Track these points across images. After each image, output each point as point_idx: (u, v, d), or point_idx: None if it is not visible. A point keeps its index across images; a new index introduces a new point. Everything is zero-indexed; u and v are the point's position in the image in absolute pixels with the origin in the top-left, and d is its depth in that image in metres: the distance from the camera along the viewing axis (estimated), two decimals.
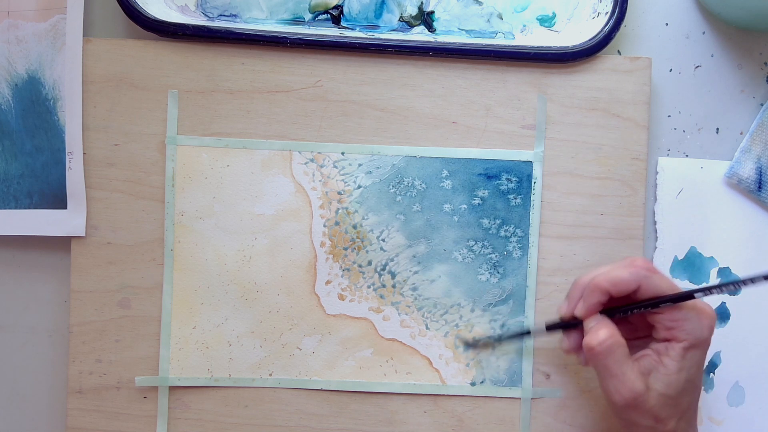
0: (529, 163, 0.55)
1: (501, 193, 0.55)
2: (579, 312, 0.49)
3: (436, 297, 0.55)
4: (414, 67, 0.55)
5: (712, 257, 0.56)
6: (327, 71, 0.55)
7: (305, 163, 0.55)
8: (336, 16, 0.56)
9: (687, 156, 0.57)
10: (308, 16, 0.56)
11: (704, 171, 0.56)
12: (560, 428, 0.55)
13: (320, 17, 0.56)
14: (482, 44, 0.55)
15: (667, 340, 0.48)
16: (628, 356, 0.47)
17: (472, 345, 0.55)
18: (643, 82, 0.55)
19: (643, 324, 0.50)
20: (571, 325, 0.50)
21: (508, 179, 0.55)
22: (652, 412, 0.47)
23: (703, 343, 0.48)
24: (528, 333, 0.53)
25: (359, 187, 0.55)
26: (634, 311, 0.48)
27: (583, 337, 0.49)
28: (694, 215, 0.56)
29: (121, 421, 0.55)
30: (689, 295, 0.47)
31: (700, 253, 0.56)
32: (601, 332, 0.47)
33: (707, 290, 0.47)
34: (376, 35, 0.55)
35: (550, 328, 0.51)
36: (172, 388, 0.55)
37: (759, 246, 0.56)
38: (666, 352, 0.47)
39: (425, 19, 0.56)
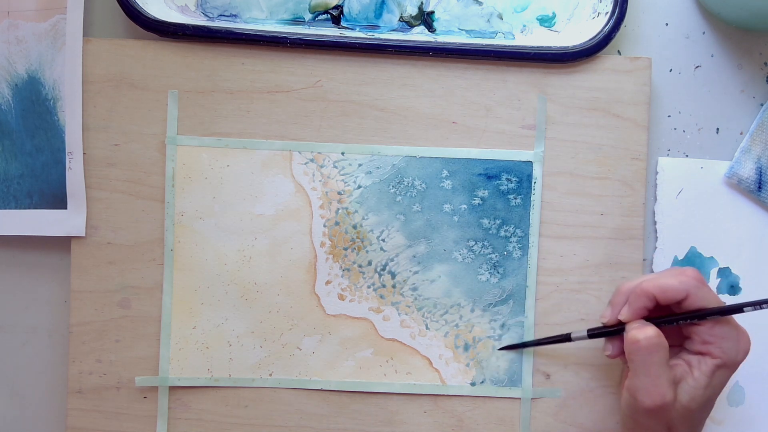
0: (529, 163, 0.55)
1: (501, 193, 0.55)
2: (624, 315, 0.49)
3: (436, 297, 0.55)
4: (414, 67, 0.55)
5: (712, 257, 0.56)
6: (327, 71, 0.55)
7: (305, 163, 0.55)
8: (336, 16, 0.56)
9: (687, 156, 0.57)
10: (308, 16, 0.56)
11: (704, 171, 0.56)
12: (560, 428, 0.55)
13: (320, 17, 0.56)
14: (482, 44, 0.55)
15: (700, 353, 0.48)
16: (668, 361, 0.47)
17: (510, 348, 0.55)
18: (643, 82, 0.55)
19: (675, 333, 0.49)
20: (614, 331, 0.50)
21: (508, 179, 0.55)
22: (669, 423, 0.47)
23: (735, 365, 0.48)
24: (568, 338, 0.53)
25: (359, 187, 0.55)
26: (680, 322, 0.48)
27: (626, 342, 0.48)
28: (694, 215, 0.56)
29: (121, 421, 0.55)
30: (739, 309, 0.47)
31: (700, 253, 0.56)
32: (649, 329, 0.47)
33: (757, 305, 0.47)
34: (376, 35, 0.55)
35: (594, 334, 0.51)
36: (172, 388, 0.55)
37: (759, 246, 0.56)
38: (698, 366, 0.47)
39: (425, 19, 0.56)
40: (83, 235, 0.55)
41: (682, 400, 0.47)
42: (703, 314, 0.47)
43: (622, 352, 0.49)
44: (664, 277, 0.48)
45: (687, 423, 0.47)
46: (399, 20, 0.56)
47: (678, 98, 0.57)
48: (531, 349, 0.55)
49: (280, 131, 0.55)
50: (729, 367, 0.47)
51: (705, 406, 0.48)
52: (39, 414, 0.57)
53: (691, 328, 0.48)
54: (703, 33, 0.57)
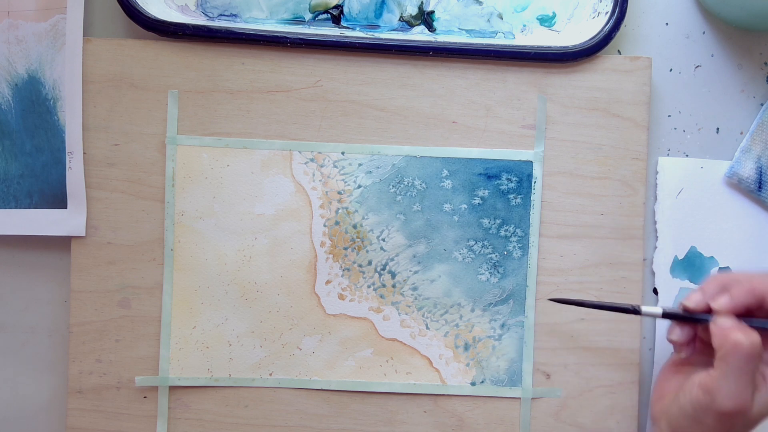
0: (529, 163, 0.55)
1: (501, 192, 0.55)
2: (721, 305, 0.46)
3: (436, 297, 0.55)
4: (414, 67, 0.55)
5: (712, 257, 0.56)
6: (327, 71, 0.55)
7: (305, 163, 0.55)
8: (336, 16, 0.56)
9: (687, 156, 0.57)
10: (308, 16, 0.56)
11: (704, 171, 0.56)
12: (560, 428, 0.55)
13: (320, 17, 0.56)
14: (482, 44, 0.55)
15: None
16: (759, 370, 0.46)
17: (569, 303, 0.51)
18: (643, 82, 0.55)
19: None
20: (692, 318, 0.48)
21: (508, 179, 0.55)
22: (734, 427, 0.45)
23: None
24: (635, 311, 0.49)
25: (359, 186, 0.55)
26: None
27: (696, 333, 0.47)
28: (694, 215, 0.56)
29: (121, 421, 0.55)
30: None
31: (700, 253, 0.56)
32: (754, 334, 0.45)
33: None
34: (376, 35, 0.55)
35: (669, 315, 0.48)
36: (172, 388, 0.55)
37: (759, 246, 0.56)
38: None
39: (425, 18, 0.56)
40: (83, 234, 0.55)
41: (761, 411, 0.45)
42: None
43: (692, 341, 0.48)
44: None
45: (746, 430, 0.46)
46: (399, 20, 0.56)
47: (678, 98, 0.57)
48: (531, 348, 0.55)
49: (280, 131, 0.55)
50: None
51: (764, 419, 0.46)
52: (39, 414, 0.57)
53: None
54: (703, 33, 0.57)
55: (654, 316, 0.49)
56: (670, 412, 0.48)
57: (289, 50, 0.55)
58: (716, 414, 0.45)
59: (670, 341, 0.49)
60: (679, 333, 0.48)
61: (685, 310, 0.48)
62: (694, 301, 0.48)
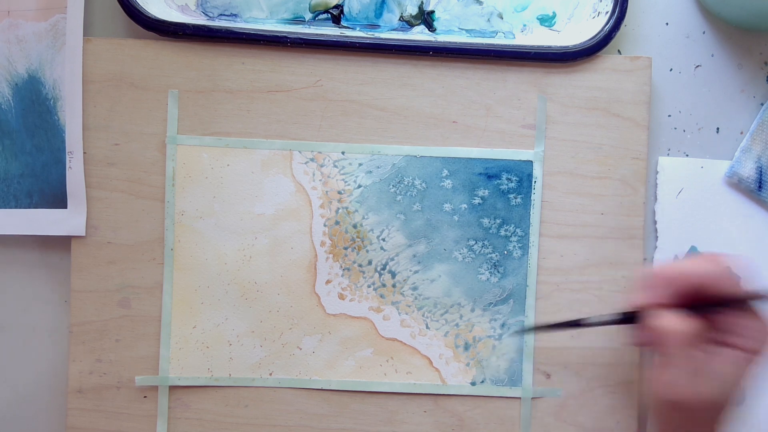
0: (530, 163, 0.55)
1: (501, 192, 0.55)
2: (647, 301, 0.47)
3: (436, 296, 0.55)
4: (414, 67, 0.55)
5: None
6: (327, 71, 0.55)
7: (305, 163, 0.55)
8: (336, 16, 0.56)
9: (687, 156, 0.57)
10: (308, 16, 0.56)
11: (704, 170, 0.56)
12: (561, 428, 0.55)
13: (320, 17, 0.56)
14: (482, 44, 0.55)
15: (726, 344, 0.46)
16: (697, 353, 0.45)
17: (527, 331, 0.54)
18: (644, 82, 0.55)
19: (702, 324, 0.47)
20: (627, 319, 0.48)
21: (508, 179, 0.55)
22: (695, 416, 0.45)
23: (760, 357, 0.46)
24: (578, 324, 0.51)
25: (359, 186, 0.55)
26: (714, 308, 0.46)
27: (648, 329, 0.47)
28: (695, 215, 0.56)
29: (121, 421, 0.55)
30: (765, 295, 0.46)
31: (700, 253, 0.56)
32: (685, 322, 0.45)
33: None
34: (377, 35, 0.55)
35: (626, 319, 0.49)
36: (172, 388, 0.55)
37: (759, 246, 0.56)
38: (725, 358, 0.45)
39: (425, 18, 0.56)
40: (83, 234, 0.55)
41: (707, 393, 0.45)
42: (739, 299, 0.45)
43: (648, 340, 0.48)
44: (691, 264, 0.46)
45: (712, 417, 0.46)
46: (399, 20, 0.56)
47: (678, 98, 0.57)
48: (531, 348, 0.55)
49: (280, 131, 0.55)
50: (755, 359, 0.45)
51: (729, 400, 0.46)
52: (39, 414, 0.57)
53: (717, 318, 0.46)
54: (704, 32, 0.57)
55: (593, 325, 0.50)
56: (644, 407, 0.50)
57: (289, 50, 0.55)
58: (667, 405, 0.45)
59: (630, 342, 0.50)
60: (635, 334, 0.49)
61: (624, 312, 0.49)
62: (641, 299, 0.48)
